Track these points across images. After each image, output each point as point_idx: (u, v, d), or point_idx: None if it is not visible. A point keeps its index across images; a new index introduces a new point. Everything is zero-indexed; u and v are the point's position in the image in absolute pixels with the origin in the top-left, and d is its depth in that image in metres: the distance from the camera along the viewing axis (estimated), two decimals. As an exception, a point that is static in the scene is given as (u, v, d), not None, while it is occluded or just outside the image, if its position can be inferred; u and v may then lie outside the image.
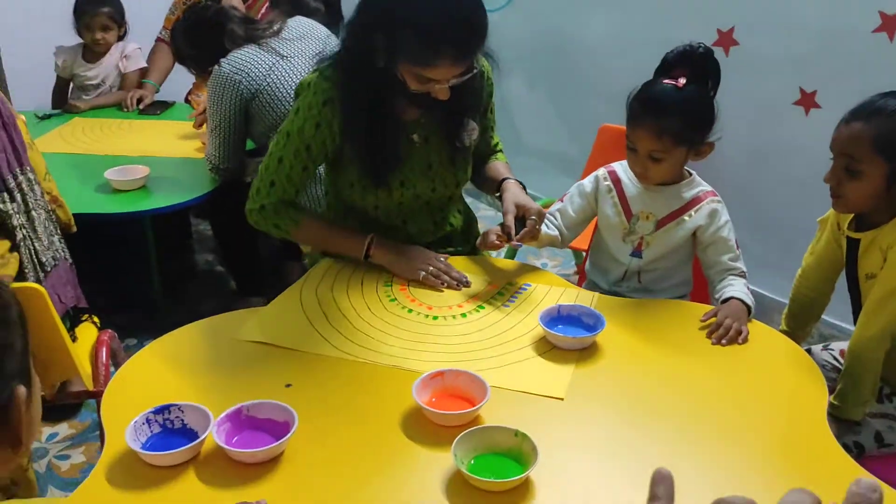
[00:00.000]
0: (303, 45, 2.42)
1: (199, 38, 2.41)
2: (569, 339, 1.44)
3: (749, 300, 1.58)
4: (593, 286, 1.82)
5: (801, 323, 1.84)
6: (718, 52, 2.52)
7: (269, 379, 1.35)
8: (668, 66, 1.64)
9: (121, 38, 3.23)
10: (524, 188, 1.79)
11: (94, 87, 3.23)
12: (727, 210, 1.74)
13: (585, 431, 1.26)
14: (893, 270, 1.49)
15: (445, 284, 1.65)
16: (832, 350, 1.81)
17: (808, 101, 2.36)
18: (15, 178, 1.73)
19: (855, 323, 1.61)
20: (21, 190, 1.73)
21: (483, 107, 1.82)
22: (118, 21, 3.18)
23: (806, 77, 2.36)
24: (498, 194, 1.79)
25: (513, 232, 1.63)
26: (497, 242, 1.66)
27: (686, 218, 1.69)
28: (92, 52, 3.19)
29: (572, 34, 3.12)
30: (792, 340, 1.59)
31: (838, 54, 2.27)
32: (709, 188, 1.74)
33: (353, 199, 1.76)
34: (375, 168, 1.68)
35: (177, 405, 1.22)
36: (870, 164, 1.46)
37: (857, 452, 1.58)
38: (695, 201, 1.70)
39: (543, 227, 1.76)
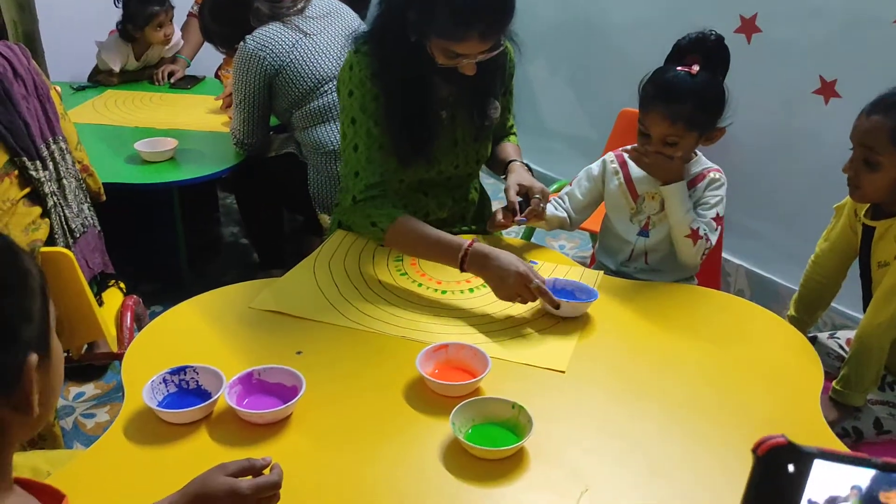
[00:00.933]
0: (326, 23, 2.46)
1: (224, 16, 2.45)
2: (565, 305, 1.49)
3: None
4: (601, 267, 1.85)
5: (809, 309, 1.85)
6: (740, 39, 2.56)
7: (280, 346, 1.41)
8: (682, 52, 1.66)
9: None
10: (530, 170, 1.83)
11: (141, 71, 3.25)
12: (732, 195, 1.77)
13: (584, 405, 1.31)
14: None
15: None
16: (838, 339, 1.83)
17: (827, 90, 2.35)
18: (48, 146, 1.80)
19: (865, 310, 1.64)
20: (53, 158, 1.80)
21: (505, 87, 1.86)
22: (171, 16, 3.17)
23: (826, 66, 2.35)
24: (504, 175, 1.84)
25: (517, 208, 1.68)
26: (503, 221, 1.70)
27: (690, 195, 1.72)
28: (141, 48, 3.16)
29: (596, 19, 3.12)
30: (794, 326, 1.62)
31: (859, 44, 2.25)
32: (713, 165, 1.77)
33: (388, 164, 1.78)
34: (413, 144, 1.72)
35: (192, 367, 1.29)
36: (888, 157, 1.47)
37: (856, 438, 1.61)
38: (699, 178, 1.74)
39: (552, 209, 1.81)
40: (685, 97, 1.62)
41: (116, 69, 3.11)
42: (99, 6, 3.36)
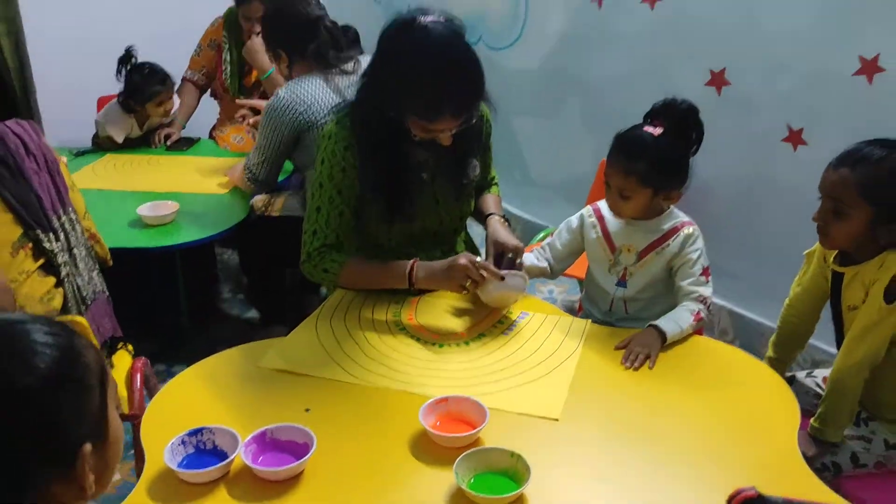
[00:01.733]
0: None
1: (285, 26, 2.47)
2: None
3: (669, 327, 1.69)
4: (588, 315, 1.96)
5: (787, 350, 1.94)
6: (711, 91, 2.69)
7: (289, 404, 1.50)
8: (653, 114, 1.79)
9: None
10: (507, 222, 1.95)
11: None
12: (705, 239, 1.86)
13: (577, 451, 1.39)
14: (873, 306, 1.59)
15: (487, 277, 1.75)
16: (815, 377, 1.91)
17: (795, 137, 2.47)
18: (58, 218, 1.89)
19: (838, 351, 1.73)
20: (64, 229, 1.90)
21: (482, 145, 1.98)
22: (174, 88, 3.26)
23: (793, 115, 2.46)
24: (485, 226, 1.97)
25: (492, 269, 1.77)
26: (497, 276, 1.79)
27: (664, 248, 1.84)
28: (142, 119, 3.24)
29: (575, 72, 3.24)
30: (773, 367, 1.72)
31: (822, 95, 2.37)
32: (686, 218, 1.87)
33: (369, 233, 1.91)
34: (391, 205, 1.83)
35: (208, 428, 1.37)
36: (855, 208, 1.56)
37: (834, 472, 1.69)
38: (672, 232, 1.84)
39: (534, 260, 1.94)
40: (642, 155, 1.75)
41: (120, 140, 3.17)
42: (96, 74, 3.49)
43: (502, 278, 1.72)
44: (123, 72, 3.11)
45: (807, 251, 1.87)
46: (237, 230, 2.57)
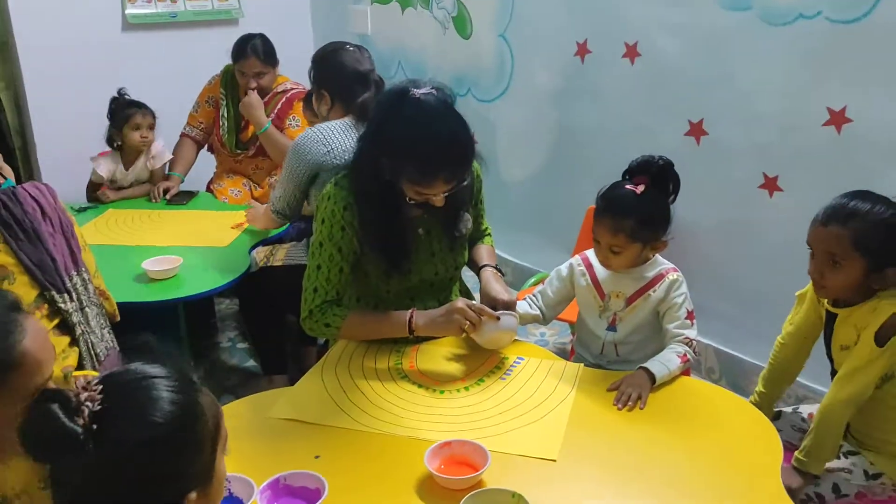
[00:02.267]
0: None
1: (337, 72, 2.54)
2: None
3: (657, 369, 1.78)
4: (580, 359, 2.05)
5: (776, 385, 2.01)
6: (690, 141, 2.82)
7: (300, 452, 1.57)
8: (632, 172, 1.91)
9: None
10: (501, 274, 2.07)
11: (128, 182, 3.45)
12: (691, 282, 1.97)
13: (575, 489, 1.47)
14: (864, 349, 1.69)
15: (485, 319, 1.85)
16: (801, 413, 2.00)
17: (771, 184, 2.60)
18: (71, 279, 1.97)
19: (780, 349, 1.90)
20: (76, 290, 1.97)
21: (474, 199, 2.09)
22: (155, 120, 3.40)
23: (768, 164, 2.59)
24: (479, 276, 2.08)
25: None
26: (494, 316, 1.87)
27: (651, 293, 1.94)
28: (129, 157, 3.37)
29: (560, 124, 3.37)
30: (761, 401, 1.82)
31: (795, 144, 2.50)
32: (670, 265, 1.98)
33: (368, 286, 2.01)
34: (390, 260, 1.93)
35: (225, 477, 1.45)
36: (849, 260, 1.66)
37: (818, 502, 1.78)
38: (657, 278, 1.95)
39: (526, 307, 2.04)
40: (628, 213, 1.86)
41: (105, 176, 3.31)
42: (96, 134, 3.60)
43: (498, 318, 1.83)
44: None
45: (799, 292, 1.96)
46: (241, 283, 2.64)
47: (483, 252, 2.17)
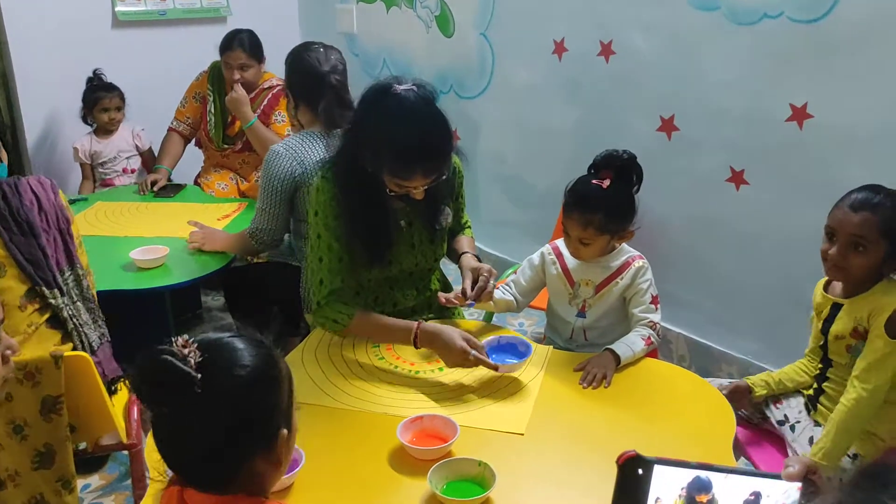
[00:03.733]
0: None
1: (297, 71, 2.55)
2: (502, 366, 1.78)
3: (622, 350, 1.88)
4: (551, 342, 2.14)
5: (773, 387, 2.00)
6: (662, 136, 2.92)
7: (280, 426, 1.67)
8: (597, 167, 1.98)
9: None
10: (478, 259, 2.15)
11: (111, 161, 3.68)
12: (663, 273, 2.07)
13: (541, 461, 1.56)
14: (877, 343, 1.73)
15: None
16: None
17: (737, 178, 2.69)
18: (63, 274, 2.00)
19: (816, 372, 1.94)
20: (67, 284, 2.01)
21: (454, 194, 2.17)
22: (124, 102, 3.69)
23: (735, 158, 2.68)
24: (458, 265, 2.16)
25: (469, 291, 1.97)
26: (455, 301, 1.96)
27: (619, 280, 2.04)
28: (103, 132, 3.68)
29: (539, 119, 3.45)
30: (712, 386, 1.87)
31: (760, 139, 2.59)
32: (636, 253, 2.07)
33: (357, 270, 2.06)
34: (373, 250, 2.00)
35: (207, 448, 1.53)
36: (874, 245, 1.75)
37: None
38: (624, 266, 2.04)
39: (500, 294, 2.10)
40: (596, 207, 1.94)
41: (85, 152, 3.64)
42: (84, 127, 3.68)
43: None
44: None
45: (810, 316, 1.99)
46: (223, 274, 2.72)
47: (463, 242, 2.25)
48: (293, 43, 2.73)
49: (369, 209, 1.96)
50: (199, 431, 1.07)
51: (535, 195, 3.58)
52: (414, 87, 1.84)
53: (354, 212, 1.96)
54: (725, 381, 2.02)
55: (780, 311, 2.64)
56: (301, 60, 2.56)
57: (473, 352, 1.79)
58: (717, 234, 2.82)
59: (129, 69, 3.86)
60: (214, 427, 1.07)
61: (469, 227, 2.34)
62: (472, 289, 1.98)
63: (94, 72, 3.67)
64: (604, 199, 1.94)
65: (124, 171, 3.72)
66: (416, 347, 1.90)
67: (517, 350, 1.88)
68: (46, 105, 3.94)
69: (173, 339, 1.07)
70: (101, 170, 3.69)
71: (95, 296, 2.16)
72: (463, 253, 2.18)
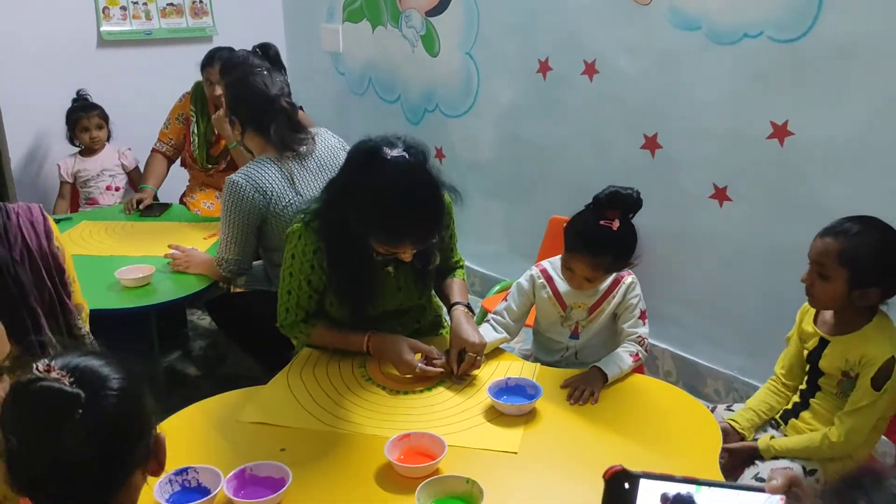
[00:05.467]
0: (319, 184, 2.43)
1: (242, 95, 2.49)
2: (511, 407, 1.75)
3: (610, 369, 1.87)
4: (536, 360, 2.14)
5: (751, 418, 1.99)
6: (646, 154, 2.94)
7: (266, 445, 1.65)
8: (601, 204, 1.91)
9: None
10: (471, 311, 2.06)
11: (94, 178, 3.69)
12: (649, 289, 2.07)
13: (530, 478, 1.56)
14: (863, 393, 1.77)
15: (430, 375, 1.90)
16: (733, 410, 2.06)
17: (720, 195, 2.71)
18: (50, 332, 1.82)
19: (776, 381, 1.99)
20: (52, 343, 1.79)
21: (441, 236, 2.05)
22: (106, 121, 3.72)
23: (718, 175, 2.70)
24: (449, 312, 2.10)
25: (455, 369, 1.90)
26: (436, 370, 1.91)
27: (611, 299, 2.04)
28: (87, 151, 3.70)
29: (524, 137, 3.46)
30: (698, 401, 1.89)
31: (742, 156, 2.61)
32: (624, 269, 2.07)
33: (331, 314, 2.06)
34: (356, 304, 1.98)
35: (193, 467, 1.51)
36: (835, 271, 1.76)
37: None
38: (615, 283, 2.05)
39: (493, 333, 2.06)
40: (607, 250, 1.91)
41: (69, 172, 3.67)
42: (69, 146, 3.67)
43: (442, 372, 1.89)
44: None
45: (787, 335, 2.02)
46: (209, 304, 2.72)
47: (455, 288, 2.15)
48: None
49: (353, 267, 1.93)
50: (81, 452, 1.04)
51: (521, 213, 3.60)
52: (405, 154, 1.77)
53: (337, 268, 1.94)
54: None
55: (765, 326, 2.65)
56: (247, 85, 2.50)
57: (420, 365, 1.88)
58: (701, 250, 2.84)
59: (115, 89, 3.86)
60: (97, 445, 1.05)
61: (461, 266, 2.26)
62: (458, 366, 1.92)
63: (78, 92, 3.69)
64: (613, 242, 1.90)
65: (108, 188, 3.72)
66: (370, 354, 1.97)
67: (525, 392, 1.82)
68: (31, 126, 3.93)
69: (34, 365, 1.05)
70: (84, 188, 3.70)
71: (88, 333, 2.01)
72: (453, 304, 2.08)
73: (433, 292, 2.22)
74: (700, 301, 2.91)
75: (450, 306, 2.10)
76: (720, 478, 1.57)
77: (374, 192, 1.76)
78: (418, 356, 1.93)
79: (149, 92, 3.97)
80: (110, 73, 4.02)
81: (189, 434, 1.71)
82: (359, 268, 1.93)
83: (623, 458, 1.61)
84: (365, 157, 1.79)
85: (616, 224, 1.88)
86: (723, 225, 2.73)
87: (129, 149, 3.75)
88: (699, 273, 2.88)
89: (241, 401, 1.84)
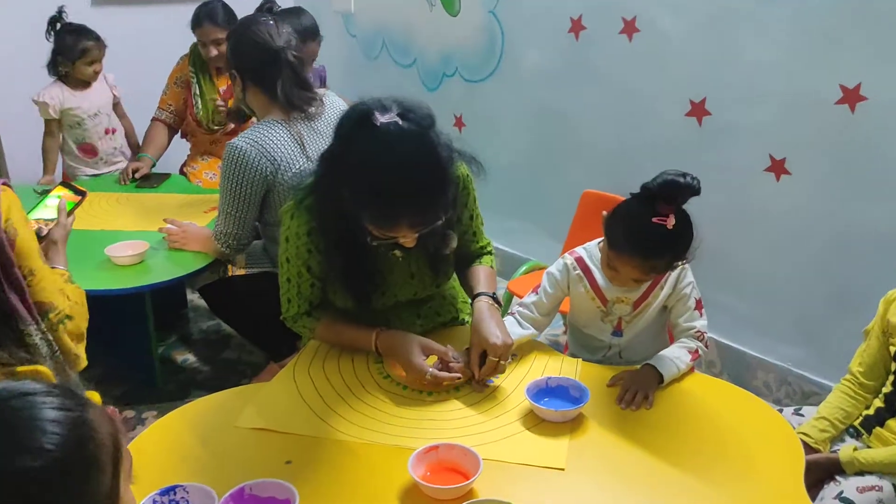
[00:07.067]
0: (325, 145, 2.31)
1: (244, 48, 2.29)
2: (554, 413, 1.51)
3: (666, 369, 1.63)
4: (574, 356, 1.88)
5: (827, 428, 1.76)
6: (692, 122, 2.69)
7: (269, 456, 1.42)
8: (654, 195, 1.60)
9: None
10: (498, 302, 1.78)
11: (91, 118, 3.27)
12: (695, 270, 1.80)
13: (582, 500, 1.33)
14: None
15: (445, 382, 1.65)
16: (803, 415, 1.85)
17: (778, 167, 2.46)
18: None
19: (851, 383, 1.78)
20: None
21: (460, 214, 1.82)
22: (102, 51, 3.24)
23: (775, 145, 2.46)
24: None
25: (476, 373, 1.64)
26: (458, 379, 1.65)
27: (659, 290, 1.77)
28: (78, 84, 3.24)
29: (553, 104, 3.24)
30: (770, 407, 1.65)
31: (805, 124, 2.37)
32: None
33: (336, 305, 1.81)
34: (357, 291, 1.75)
35: (182, 486, 1.28)
36: None
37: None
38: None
39: (519, 330, 1.80)
40: (663, 252, 1.63)
41: (57, 107, 3.18)
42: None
43: (458, 378, 1.63)
44: (52, 32, 3.12)
45: (866, 328, 1.80)
46: (203, 291, 2.53)
47: (481, 276, 1.86)
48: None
49: (349, 252, 1.68)
50: None
51: (549, 187, 3.38)
52: (397, 118, 1.50)
53: (332, 252, 1.70)
54: None
55: (825, 315, 2.44)
56: (249, 36, 2.28)
57: (431, 370, 1.62)
58: (753, 230, 2.61)
59: (111, 53, 3.58)
60: None
61: (489, 252, 1.96)
62: (482, 365, 1.65)
63: (60, 10, 3.13)
64: (670, 241, 1.61)
65: (106, 132, 3.34)
66: (380, 356, 1.74)
67: (569, 395, 1.57)
68: (23, 87, 3.66)
69: None
70: (78, 131, 3.27)
71: (59, 338, 1.61)
72: (477, 295, 1.79)
73: (456, 281, 1.97)
74: (750, 286, 2.68)
75: (473, 297, 1.81)
76: (807, 501, 1.32)
77: (362, 165, 1.52)
78: (433, 360, 1.68)
79: (148, 55, 3.72)
80: (105, 36, 3.74)
81: (177, 444, 1.47)
82: (359, 251, 1.67)
83: (691, 476, 1.35)
84: (353, 123, 1.54)
85: (671, 221, 1.58)
86: (779, 201, 2.49)
87: (114, 77, 3.39)
88: (749, 255, 2.65)
89: (238, 402, 1.60)
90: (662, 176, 1.58)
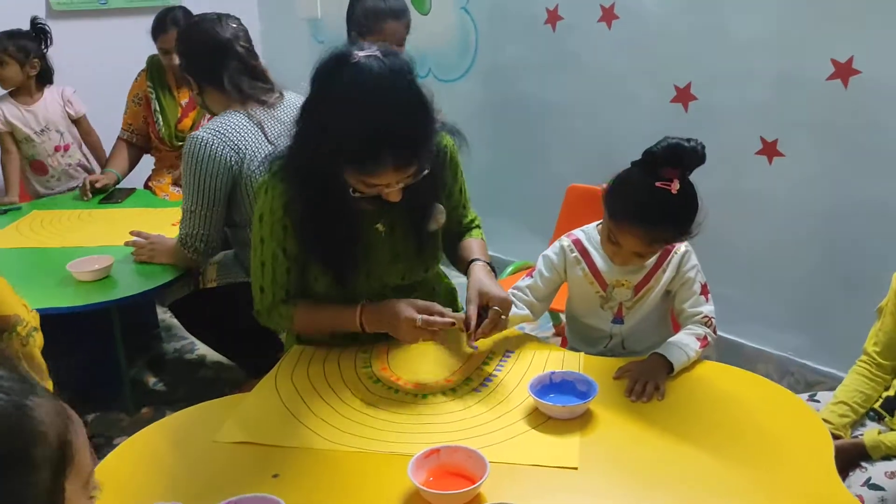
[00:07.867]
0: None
1: (194, 48, 2.24)
2: (562, 409, 1.40)
3: (676, 357, 1.54)
4: (573, 350, 1.77)
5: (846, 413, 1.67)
6: (677, 108, 2.61)
7: (254, 471, 1.30)
8: (657, 160, 1.53)
9: (41, 80, 3.18)
10: (493, 269, 1.74)
11: (40, 134, 3.14)
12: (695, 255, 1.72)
13: (602, 502, 1.22)
14: None
15: (442, 333, 1.58)
16: (818, 401, 1.77)
17: (770, 149, 2.41)
18: None
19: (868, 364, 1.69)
20: None
21: (448, 187, 1.77)
22: (18, 57, 3.07)
23: (766, 127, 2.41)
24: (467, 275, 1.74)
25: (472, 325, 1.56)
26: (451, 325, 1.57)
27: (661, 274, 1.68)
28: (24, 94, 3.12)
29: (533, 98, 3.18)
30: (786, 389, 1.57)
31: (796, 103, 2.33)
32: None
33: (317, 291, 1.70)
34: (337, 269, 1.64)
35: (159, 507, 1.16)
36: None
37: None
38: (665, 254, 1.69)
39: (514, 308, 1.70)
40: (667, 220, 1.55)
41: (6, 121, 3.08)
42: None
43: (453, 324, 1.54)
44: None
45: (879, 305, 1.72)
46: (174, 307, 2.42)
47: (474, 246, 1.83)
48: (252, 30, 2.38)
49: (328, 219, 1.57)
50: None
51: (532, 184, 3.31)
52: (378, 54, 1.45)
53: (309, 221, 1.59)
54: None
55: (826, 299, 2.38)
56: (195, 35, 2.25)
57: (420, 316, 1.54)
58: (747, 216, 2.55)
59: (68, 66, 3.46)
60: None
61: (478, 226, 1.92)
62: (478, 324, 1.58)
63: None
64: (674, 208, 1.54)
65: (56, 149, 3.21)
66: (364, 331, 1.63)
67: (575, 389, 1.48)
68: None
69: None
70: (26, 146, 3.14)
71: (42, 363, 1.65)
72: (472, 260, 1.75)
73: (446, 265, 1.87)
74: (745, 274, 2.61)
75: (468, 263, 1.75)
76: (841, 489, 1.22)
77: (341, 103, 1.45)
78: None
79: (106, 69, 3.61)
80: (62, 48, 3.60)
81: (153, 460, 1.35)
82: (338, 221, 1.58)
83: (715, 468, 1.24)
84: (331, 63, 1.48)
85: (676, 187, 1.51)
86: (773, 184, 2.44)
87: (75, 92, 3.28)
88: (744, 241, 2.59)
89: (218, 415, 1.47)
90: (666, 141, 1.52)
